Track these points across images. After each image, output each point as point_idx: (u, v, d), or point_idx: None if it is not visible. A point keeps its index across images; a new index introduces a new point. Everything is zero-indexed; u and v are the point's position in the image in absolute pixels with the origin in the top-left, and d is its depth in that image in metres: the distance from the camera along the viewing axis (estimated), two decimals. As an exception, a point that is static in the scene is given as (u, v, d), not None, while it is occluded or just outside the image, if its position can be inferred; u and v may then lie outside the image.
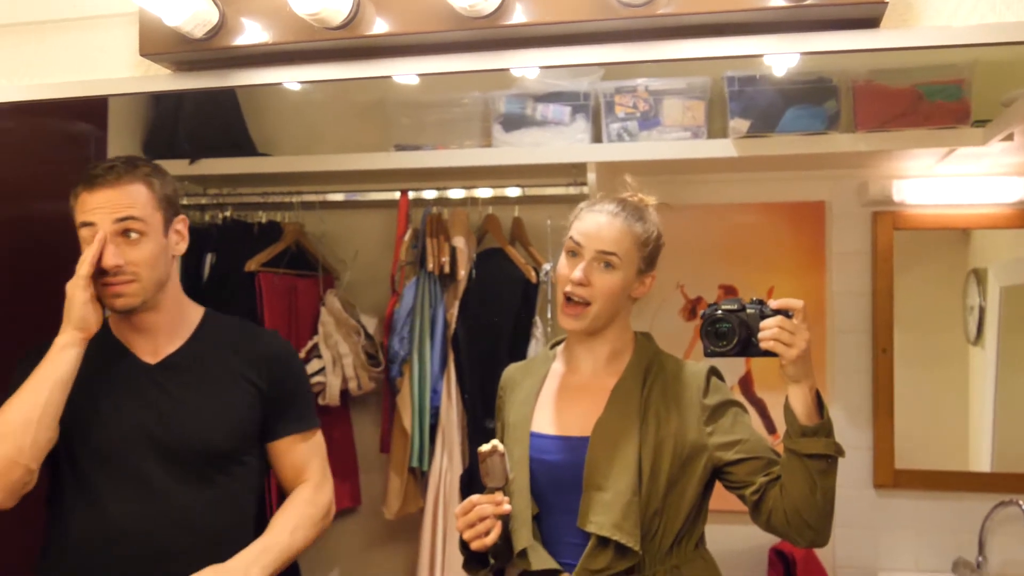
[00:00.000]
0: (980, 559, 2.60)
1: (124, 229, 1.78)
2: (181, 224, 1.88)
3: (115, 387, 1.83)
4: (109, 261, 1.76)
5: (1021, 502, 2.55)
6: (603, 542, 1.66)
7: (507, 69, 1.79)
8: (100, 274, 1.76)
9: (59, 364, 1.73)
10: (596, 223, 1.73)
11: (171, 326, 1.89)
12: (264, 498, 1.97)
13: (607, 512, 1.66)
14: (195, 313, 1.94)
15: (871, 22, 1.57)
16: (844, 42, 1.56)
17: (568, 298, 1.74)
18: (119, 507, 1.77)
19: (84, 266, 1.73)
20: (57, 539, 1.82)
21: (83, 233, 1.78)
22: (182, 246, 1.89)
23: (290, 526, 1.86)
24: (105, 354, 1.85)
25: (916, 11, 1.59)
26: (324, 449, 2.00)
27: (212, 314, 1.97)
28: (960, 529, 2.64)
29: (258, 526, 1.88)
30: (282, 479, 1.97)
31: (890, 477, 2.70)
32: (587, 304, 1.73)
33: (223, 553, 1.78)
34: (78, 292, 1.73)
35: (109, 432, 1.80)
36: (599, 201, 1.78)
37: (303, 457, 1.95)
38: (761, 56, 1.68)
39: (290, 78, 1.83)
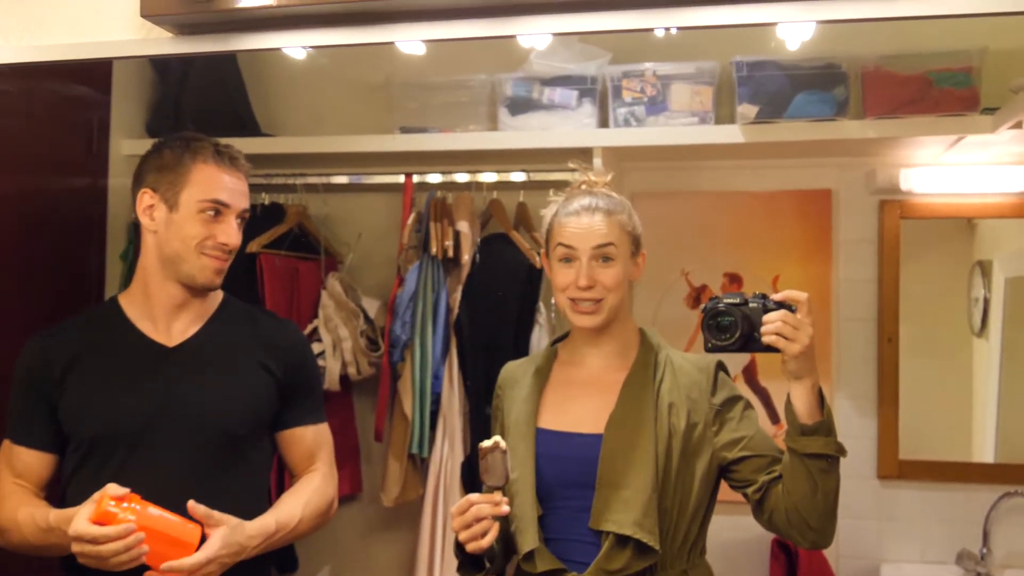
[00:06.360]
0: (984, 550, 2.59)
1: (243, 218, 1.85)
2: None
3: (132, 371, 1.81)
4: (235, 239, 1.82)
5: (1026, 493, 2.55)
6: (621, 541, 1.62)
7: (514, 36, 1.76)
8: (206, 247, 1.79)
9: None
10: (581, 223, 1.72)
11: (198, 309, 1.88)
12: (271, 486, 1.98)
13: (626, 510, 1.63)
14: (216, 297, 1.93)
15: (888, -10, 1.55)
16: (861, 10, 1.55)
17: (577, 302, 1.73)
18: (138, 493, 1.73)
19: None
20: None
21: (203, 205, 1.79)
22: None
23: (298, 515, 1.85)
24: (119, 337, 1.84)
25: (933, -22, 1.57)
26: (332, 443, 2.01)
27: (231, 299, 1.96)
28: (964, 520, 2.63)
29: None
30: (292, 467, 1.97)
31: (894, 468, 2.68)
32: (599, 300, 1.71)
33: None
34: None
35: (128, 418, 1.77)
36: (570, 200, 1.77)
37: (313, 445, 1.96)
38: (775, 25, 1.67)
39: (293, 43, 1.81)
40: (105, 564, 1.59)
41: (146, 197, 1.81)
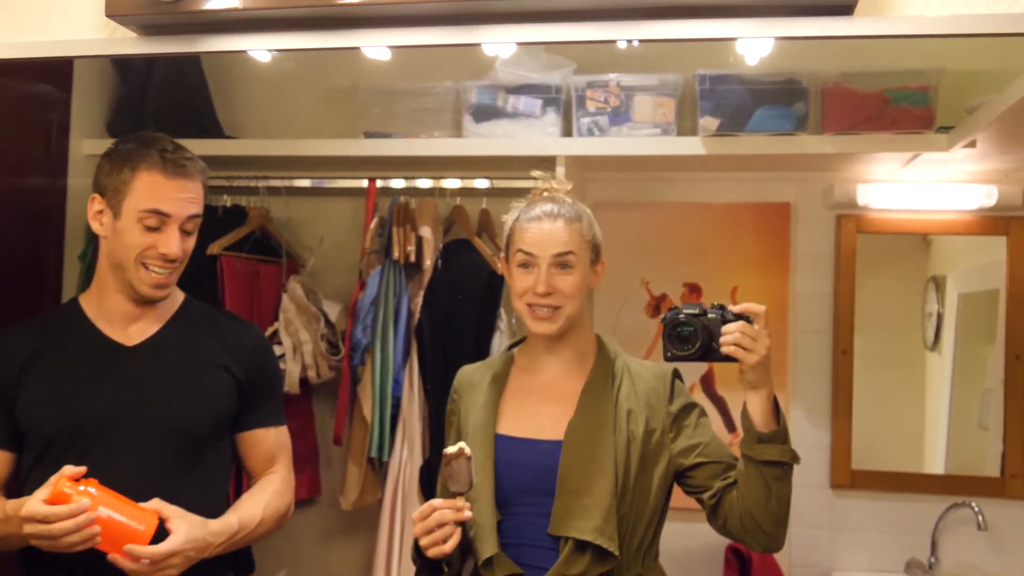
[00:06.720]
0: (932, 560, 2.63)
1: (191, 226, 1.79)
2: None
3: (91, 369, 1.79)
4: (176, 251, 1.76)
5: (973, 504, 2.59)
6: (580, 547, 1.64)
7: (479, 44, 1.78)
8: (147, 257, 1.75)
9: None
10: (542, 230, 1.72)
11: (157, 311, 1.86)
12: (231, 487, 1.98)
13: (587, 516, 1.64)
14: (176, 298, 1.91)
15: (845, 9, 1.59)
16: (817, 28, 1.58)
17: (534, 308, 1.73)
18: None
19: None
20: None
21: (141, 215, 1.74)
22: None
23: (259, 515, 1.85)
24: (78, 336, 1.82)
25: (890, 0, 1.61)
26: (291, 445, 2.00)
27: (191, 300, 1.95)
28: (913, 530, 2.67)
29: None
30: (252, 469, 1.96)
31: (847, 477, 2.72)
32: (557, 308, 1.72)
33: None
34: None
35: (86, 415, 1.75)
36: (532, 206, 1.77)
37: (274, 448, 1.95)
38: (735, 40, 1.69)
39: (258, 46, 1.80)
40: (58, 545, 1.57)
41: (95, 203, 1.79)
